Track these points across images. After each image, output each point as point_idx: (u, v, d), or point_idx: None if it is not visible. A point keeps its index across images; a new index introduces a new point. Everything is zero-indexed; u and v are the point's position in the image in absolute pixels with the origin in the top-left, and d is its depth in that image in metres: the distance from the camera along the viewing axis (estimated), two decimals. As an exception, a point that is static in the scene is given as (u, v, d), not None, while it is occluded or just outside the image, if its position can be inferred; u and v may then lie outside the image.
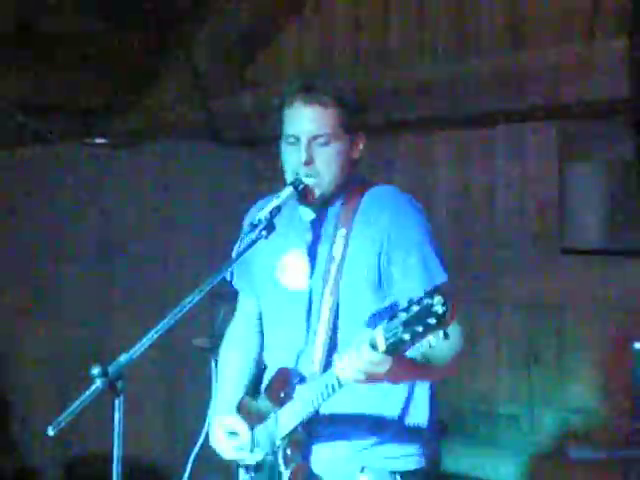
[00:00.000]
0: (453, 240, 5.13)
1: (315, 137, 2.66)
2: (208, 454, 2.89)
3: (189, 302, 2.44)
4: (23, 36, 5.74)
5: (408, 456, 2.73)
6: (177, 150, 6.27)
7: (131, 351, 2.33)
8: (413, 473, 2.73)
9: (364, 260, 2.67)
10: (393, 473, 2.71)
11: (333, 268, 2.68)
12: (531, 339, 5.06)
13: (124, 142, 6.35)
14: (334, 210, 2.75)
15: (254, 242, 2.58)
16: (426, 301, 2.21)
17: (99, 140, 6.36)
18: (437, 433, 2.84)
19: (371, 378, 2.37)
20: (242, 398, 2.92)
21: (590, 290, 4.82)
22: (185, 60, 6.13)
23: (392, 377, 2.41)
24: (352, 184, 2.76)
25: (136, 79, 6.28)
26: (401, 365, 2.39)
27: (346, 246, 2.68)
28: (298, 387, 2.69)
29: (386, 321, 2.29)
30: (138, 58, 6.13)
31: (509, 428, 5.10)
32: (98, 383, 2.25)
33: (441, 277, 2.63)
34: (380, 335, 2.28)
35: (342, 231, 2.70)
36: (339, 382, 2.46)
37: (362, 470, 2.69)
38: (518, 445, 5.01)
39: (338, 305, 2.67)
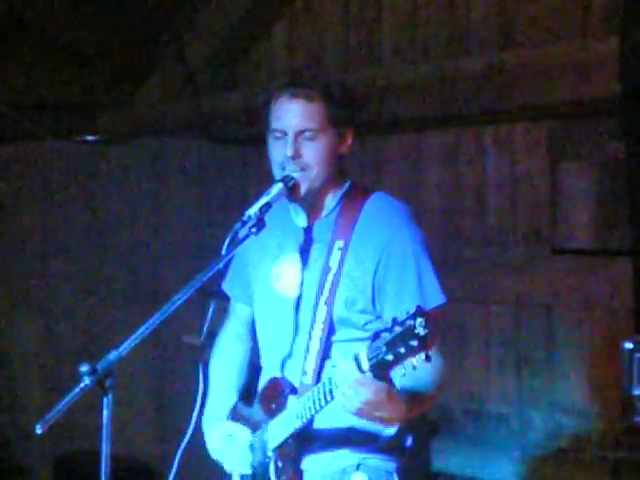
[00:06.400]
0: (443, 239, 5.13)
1: (302, 131, 2.63)
2: (197, 451, 2.88)
3: (179, 299, 2.43)
4: (14, 33, 5.72)
5: (401, 454, 2.71)
6: (167, 147, 6.26)
7: (120, 348, 2.32)
8: (408, 470, 2.72)
9: (361, 274, 2.64)
10: (389, 472, 2.70)
11: (329, 279, 2.64)
12: (521, 338, 5.06)
13: (115, 139, 6.34)
14: (331, 218, 2.72)
15: (244, 239, 2.56)
16: (409, 323, 2.23)
17: (90, 137, 6.34)
18: (427, 430, 2.84)
19: (363, 410, 2.38)
20: (235, 404, 2.90)
21: (580, 290, 4.82)
22: (176, 57, 6.12)
23: (383, 409, 2.41)
24: (349, 191, 2.74)
25: (127, 76, 6.27)
26: (391, 399, 2.40)
27: (343, 258, 2.65)
28: (290, 398, 2.67)
29: (370, 341, 2.31)
30: (129, 55, 6.12)
31: (499, 427, 5.09)
32: (87, 381, 2.24)
33: (437, 299, 2.59)
34: (364, 355, 2.30)
35: (340, 242, 2.67)
36: (331, 396, 2.45)
37: (357, 467, 2.67)
38: (508, 444, 5.00)
39: (332, 316, 2.64)
